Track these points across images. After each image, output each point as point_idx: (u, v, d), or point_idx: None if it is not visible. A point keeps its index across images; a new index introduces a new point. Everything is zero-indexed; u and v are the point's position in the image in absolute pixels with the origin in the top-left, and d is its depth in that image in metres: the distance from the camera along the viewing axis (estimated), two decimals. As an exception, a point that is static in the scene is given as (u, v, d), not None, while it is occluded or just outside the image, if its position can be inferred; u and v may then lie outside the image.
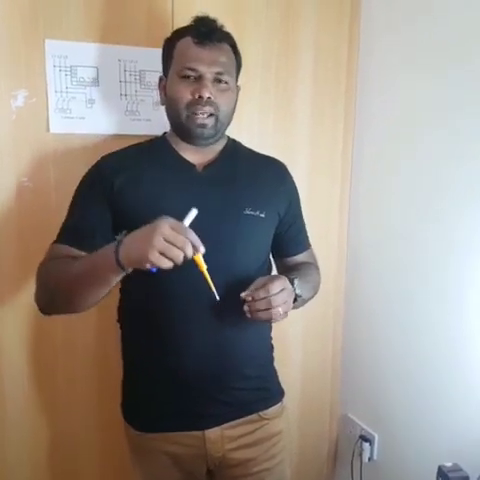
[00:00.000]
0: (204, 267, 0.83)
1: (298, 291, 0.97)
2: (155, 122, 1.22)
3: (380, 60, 1.41)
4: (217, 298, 0.87)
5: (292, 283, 0.96)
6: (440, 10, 1.20)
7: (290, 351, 1.53)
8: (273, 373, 1.13)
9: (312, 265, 1.15)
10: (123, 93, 1.21)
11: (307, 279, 1.05)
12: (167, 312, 0.97)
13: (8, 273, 1.17)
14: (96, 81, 1.18)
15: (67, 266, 0.90)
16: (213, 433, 1.01)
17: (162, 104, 1.04)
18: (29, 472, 1.26)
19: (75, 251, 0.95)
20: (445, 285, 1.23)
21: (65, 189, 1.08)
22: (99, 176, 1.00)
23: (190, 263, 0.80)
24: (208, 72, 0.94)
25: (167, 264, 0.77)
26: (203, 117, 0.95)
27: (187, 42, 0.95)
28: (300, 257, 1.14)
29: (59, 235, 0.99)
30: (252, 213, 0.99)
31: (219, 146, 1.04)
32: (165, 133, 1.07)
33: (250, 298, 0.88)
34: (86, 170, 1.02)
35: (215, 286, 0.87)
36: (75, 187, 1.02)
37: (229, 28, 1.01)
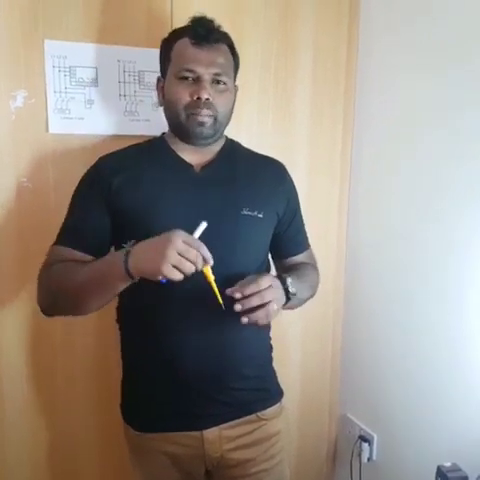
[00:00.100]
0: (212, 278, 0.85)
1: (292, 289, 0.97)
2: (154, 122, 1.22)
3: (379, 60, 1.41)
4: (223, 308, 0.88)
5: (284, 281, 0.96)
6: (439, 10, 1.20)
7: (289, 351, 1.53)
8: (272, 373, 1.13)
9: (310, 265, 1.15)
10: (122, 93, 1.21)
11: (303, 278, 1.05)
12: (166, 312, 0.97)
13: (8, 273, 1.17)
14: (95, 81, 1.18)
15: (72, 272, 0.92)
16: (211, 433, 1.01)
17: (160, 105, 1.04)
18: (29, 472, 1.26)
19: (76, 253, 0.96)
20: (445, 285, 1.23)
21: (64, 189, 1.08)
22: (98, 176, 1.00)
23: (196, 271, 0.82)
24: (206, 73, 0.94)
25: (179, 276, 0.80)
26: (202, 117, 0.95)
27: (185, 43, 0.95)
28: (299, 258, 1.14)
29: (59, 236, 1.00)
30: (250, 213, 0.99)
31: (217, 146, 1.04)
32: (163, 134, 1.07)
33: (239, 294, 0.87)
34: (85, 170, 1.03)
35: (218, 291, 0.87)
36: (74, 187, 1.03)
37: (227, 28, 1.01)
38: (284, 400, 1.13)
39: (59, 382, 1.26)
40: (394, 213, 1.38)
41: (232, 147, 1.08)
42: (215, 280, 0.86)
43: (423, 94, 1.27)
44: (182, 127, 0.98)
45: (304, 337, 1.55)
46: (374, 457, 1.50)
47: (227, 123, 1.03)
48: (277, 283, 0.94)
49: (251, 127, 1.36)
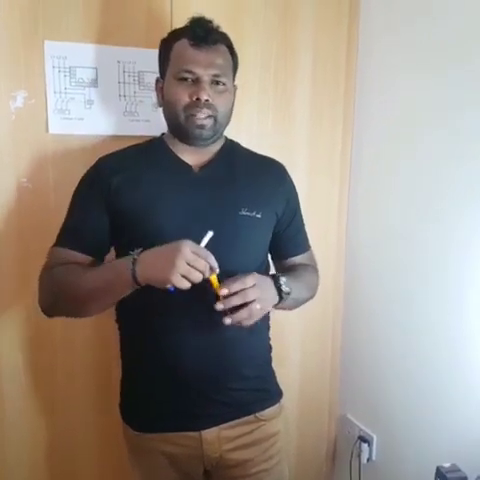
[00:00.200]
0: (217, 285, 0.87)
1: (285, 288, 0.97)
2: (154, 123, 1.22)
3: (379, 61, 1.41)
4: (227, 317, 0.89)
5: (277, 280, 0.96)
6: (439, 11, 1.20)
7: (289, 351, 1.53)
8: (271, 374, 1.13)
9: (310, 267, 1.14)
10: (122, 94, 1.22)
11: (300, 279, 1.05)
12: (166, 312, 0.97)
13: (8, 273, 1.18)
14: (95, 82, 1.19)
15: (74, 276, 0.93)
16: (210, 434, 1.01)
17: (159, 106, 1.04)
18: (28, 472, 1.27)
19: (76, 254, 0.97)
20: (445, 285, 1.23)
21: (64, 190, 1.09)
22: (97, 176, 1.01)
23: None
24: (205, 74, 0.94)
25: (186, 285, 0.82)
26: (201, 118, 0.96)
27: (183, 44, 0.95)
28: (299, 259, 1.14)
29: (59, 237, 1.01)
30: (248, 214, 0.99)
31: (216, 147, 1.04)
32: (163, 134, 1.07)
33: (226, 290, 0.87)
34: (85, 171, 1.03)
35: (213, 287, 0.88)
36: (74, 188, 1.03)
37: (227, 29, 1.01)
38: (283, 400, 1.13)
39: (59, 382, 1.26)
40: (394, 213, 1.38)
41: (231, 147, 1.08)
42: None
43: (423, 94, 1.27)
44: (181, 128, 0.98)
45: (303, 337, 1.55)
46: (373, 458, 1.50)
47: (227, 123, 1.03)
48: (266, 282, 0.94)
49: (251, 128, 1.36)
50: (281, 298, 0.97)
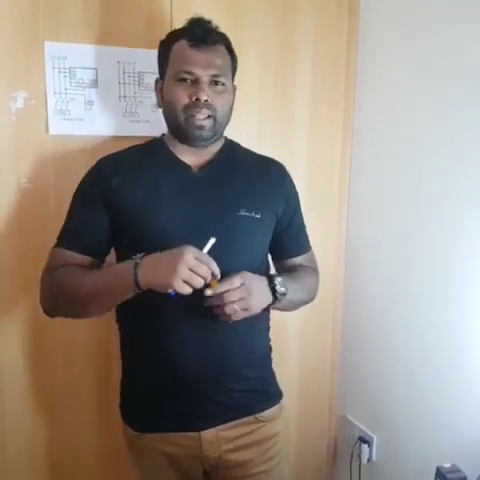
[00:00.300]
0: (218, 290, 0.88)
1: (280, 289, 0.97)
2: (154, 123, 1.22)
3: (379, 62, 1.41)
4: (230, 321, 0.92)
5: (272, 280, 0.96)
6: (439, 11, 1.20)
7: (288, 352, 1.52)
8: (271, 374, 1.12)
9: (309, 268, 1.14)
10: (122, 95, 1.22)
11: (299, 280, 1.05)
12: (165, 313, 0.97)
13: (8, 273, 1.18)
14: (95, 83, 1.19)
15: (75, 278, 0.94)
16: (209, 434, 1.01)
17: (159, 107, 1.04)
18: (28, 472, 1.27)
19: (76, 256, 0.98)
20: (445, 283, 1.22)
21: (64, 190, 1.09)
22: (98, 177, 1.01)
23: None
24: (204, 75, 0.95)
25: (188, 290, 0.84)
26: (201, 119, 0.96)
27: (182, 45, 0.96)
28: (299, 259, 1.14)
29: (59, 238, 1.01)
30: (247, 214, 1.00)
31: (216, 147, 1.05)
32: (163, 135, 1.07)
33: (210, 292, 0.89)
34: (85, 171, 1.03)
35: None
36: (74, 188, 1.03)
37: (227, 30, 1.01)
38: (283, 401, 1.13)
39: (59, 382, 1.26)
40: (394, 212, 1.38)
41: (231, 148, 1.08)
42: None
43: (423, 94, 1.27)
44: (181, 129, 0.98)
45: (303, 338, 1.55)
46: (374, 458, 1.50)
47: (226, 124, 1.03)
48: (258, 281, 0.94)
49: (251, 128, 1.36)
50: (276, 298, 0.97)
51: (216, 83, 0.96)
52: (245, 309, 0.91)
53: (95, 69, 1.18)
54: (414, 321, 1.32)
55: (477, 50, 1.11)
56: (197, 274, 0.83)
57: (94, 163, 1.03)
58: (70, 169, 1.15)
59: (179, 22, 1.01)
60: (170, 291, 0.84)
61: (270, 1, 1.34)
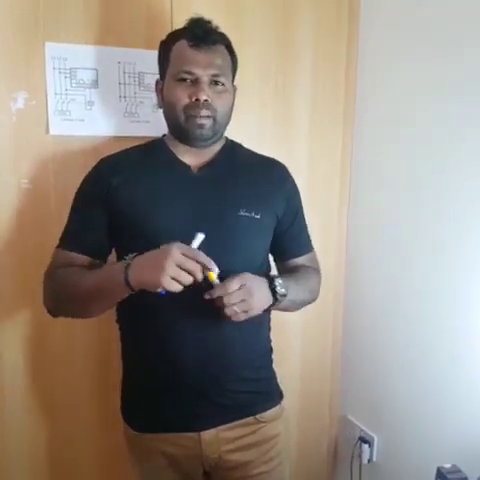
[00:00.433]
0: (212, 280, 0.87)
1: (281, 290, 0.96)
2: (154, 124, 1.22)
3: (379, 62, 1.41)
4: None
5: (272, 281, 0.96)
6: (440, 11, 1.20)
7: (288, 352, 1.52)
8: (272, 375, 1.12)
9: (311, 268, 1.14)
10: (122, 95, 1.22)
11: (300, 281, 1.05)
12: (166, 313, 0.97)
13: (9, 274, 1.18)
14: (95, 83, 1.19)
15: (74, 279, 0.94)
16: (208, 434, 1.01)
17: (159, 107, 1.04)
18: (29, 472, 1.27)
19: (78, 256, 0.99)
20: (447, 281, 1.22)
21: (65, 191, 1.10)
22: (98, 177, 1.01)
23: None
24: (204, 75, 0.95)
25: (178, 288, 0.82)
26: (201, 118, 0.96)
27: (183, 45, 0.96)
28: (301, 260, 1.13)
29: (62, 239, 1.02)
30: (247, 214, 0.99)
31: (216, 147, 1.05)
32: (164, 135, 1.07)
33: (208, 296, 0.88)
34: (86, 172, 1.04)
35: (212, 287, 0.88)
36: (75, 188, 1.03)
37: (227, 31, 1.01)
38: (284, 401, 1.13)
39: (59, 382, 1.26)
40: (394, 212, 1.38)
41: (232, 148, 1.08)
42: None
43: (423, 95, 1.27)
44: (181, 129, 0.98)
45: (303, 338, 1.55)
46: (374, 458, 1.50)
47: (226, 124, 1.03)
48: (258, 282, 0.93)
49: (251, 130, 1.35)
50: (276, 299, 0.96)
51: (216, 83, 0.96)
52: (246, 311, 0.90)
53: (95, 69, 1.18)
54: (415, 320, 1.32)
55: (477, 50, 1.11)
56: (185, 270, 0.81)
57: (95, 163, 1.03)
58: (70, 169, 1.15)
59: (179, 22, 1.01)
60: (159, 290, 0.82)
61: (270, 1, 1.34)
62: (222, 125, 1.01)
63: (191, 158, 1.02)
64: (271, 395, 1.10)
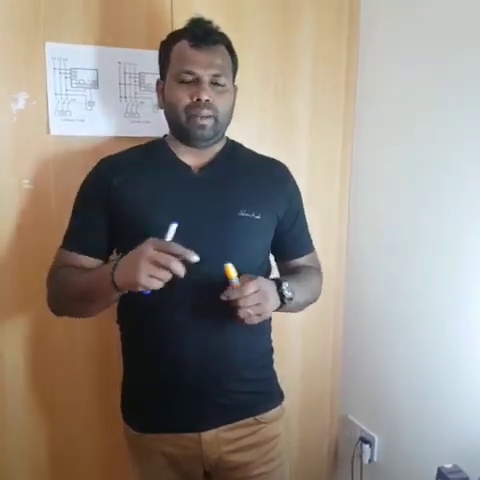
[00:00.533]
0: (234, 275, 0.87)
1: (288, 294, 0.96)
2: (155, 124, 1.22)
3: (380, 64, 1.41)
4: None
5: (280, 285, 0.95)
6: (440, 12, 1.20)
7: (289, 352, 1.52)
8: (273, 376, 1.12)
9: (313, 269, 1.14)
10: (123, 95, 1.22)
11: (303, 282, 1.05)
12: (166, 314, 0.97)
13: (9, 274, 1.18)
14: (96, 83, 1.19)
15: (72, 279, 0.95)
16: (209, 435, 1.01)
17: (160, 107, 1.04)
18: (29, 471, 1.27)
19: (79, 257, 1.00)
20: (448, 279, 1.22)
21: (66, 191, 1.10)
22: (98, 178, 1.01)
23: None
24: (205, 75, 0.95)
25: (157, 285, 0.80)
26: (202, 119, 0.96)
27: (183, 45, 0.95)
28: (302, 260, 1.13)
29: (64, 239, 1.03)
30: (247, 215, 0.99)
31: (217, 148, 1.04)
32: (165, 136, 1.07)
33: (224, 298, 0.87)
34: (86, 172, 1.04)
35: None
36: (75, 189, 1.04)
37: (227, 31, 1.01)
38: (284, 402, 1.13)
39: (60, 382, 1.26)
40: (395, 211, 1.38)
41: (233, 148, 1.08)
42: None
43: (424, 97, 1.27)
44: (183, 129, 0.98)
45: (304, 339, 1.55)
46: (375, 458, 1.50)
47: (227, 124, 1.03)
48: (268, 287, 0.93)
49: (251, 131, 1.35)
50: (284, 303, 0.96)
51: (217, 83, 0.96)
52: (259, 314, 0.90)
53: (96, 70, 1.18)
54: (415, 320, 1.32)
55: (478, 51, 1.11)
56: (161, 265, 0.79)
57: (95, 164, 1.03)
58: (71, 170, 1.15)
59: (180, 23, 1.01)
60: (141, 290, 0.80)
61: (270, 4, 1.34)
62: (223, 125, 1.01)
63: (192, 158, 1.02)
64: (272, 395, 1.10)
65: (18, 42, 1.11)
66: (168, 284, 0.81)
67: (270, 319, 1.11)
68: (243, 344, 1.01)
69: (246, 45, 1.27)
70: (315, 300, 1.13)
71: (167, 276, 0.79)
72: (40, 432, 1.27)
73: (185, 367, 0.98)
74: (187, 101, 0.95)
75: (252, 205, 1.00)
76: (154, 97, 1.08)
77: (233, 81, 1.03)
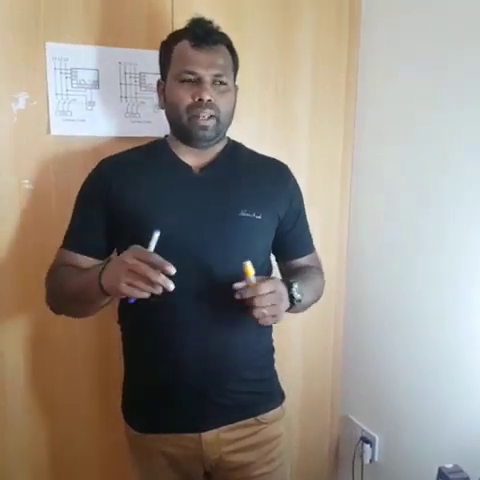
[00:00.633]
0: (251, 273, 0.87)
1: (298, 295, 0.96)
2: (155, 124, 1.23)
3: (380, 64, 1.41)
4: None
5: (291, 287, 0.95)
6: (441, 12, 1.20)
7: (290, 353, 1.52)
8: (273, 376, 1.12)
9: (315, 268, 1.14)
10: (123, 95, 1.22)
11: (308, 282, 1.04)
12: (166, 314, 0.97)
13: (9, 274, 1.18)
14: (96, 83, 1.19)
15: (69, 279, 0.95)
16: (209, 435, 1.01)
17: (161, 108, 1.04)
18: (29, 471, 1.27)
19: (79, 257, 1.00)
20: (449, 279, 1.22)
21: (66, 191, 1.10)
22: (99, 178, 1.02)
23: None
24: (207, 75, 0.95)
25: (140, 293, 0.79)
26: (204, 119, 0.96)
27: (184, 46, 0.95)
28: (303, 260, 1.13)
29: (65, 239, 1.03)
30: (248, 215, 0.99)
31: (219, 148, 1.04)
32: (166, 136, 1.07)
33: (238, 296, 0.87)
34: (87, 172, 1.04)
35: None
36: (76, 189, 1.04)
37: (228, 31, 1.01)
38: (285, 402, 1.12)
39: (60, 382, 1.26)
40: (396, 211, 1.38)
41: (234, 148, 1.08)
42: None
43: (424, 97, 1.27)
44: (184, 129, 0.98)
45: (305, 338, 1.55)
46: (376, 458, 1.50)
47: (229, 124, 1.03)
48: (282, 288, 0.93)
49: (251, 131, 1.35)
50: (293, 304, 0.96)
51: (218, 83, 0.96)
52: (274, 315, 0.89)
53: (96, 70, 1.18)
54: (416, 320, 1.32)
55: (478, 51, 1.11)
56: (137, 275, 0.78)
57: (96, 164, 1.04)
58: (72, 170, 1.15)
59: (180, 23, 1.01)
60: (123, 297, 0.80)
61: (270, 4, 1.34)
62: (225, 125, 1.01)
63: (193, 158, 1.02)
64: (273, 396, 1.10)
65: (18, 42, 1.11)
66: (165, 293, 0.80)
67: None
68: (243, 344, 1.01)
69: (246, 45, 1.27)
70: (318, 299, 1.13)
71: (144, 286, 0.79)
72: (40, 432, 1.27)
73: (185, 367, 0.97)
74: (189, 101, 0.95)
75: (253, 205, 1.00)
76: (155, 97, 1.09)
77: (234, 81, 1.03)
